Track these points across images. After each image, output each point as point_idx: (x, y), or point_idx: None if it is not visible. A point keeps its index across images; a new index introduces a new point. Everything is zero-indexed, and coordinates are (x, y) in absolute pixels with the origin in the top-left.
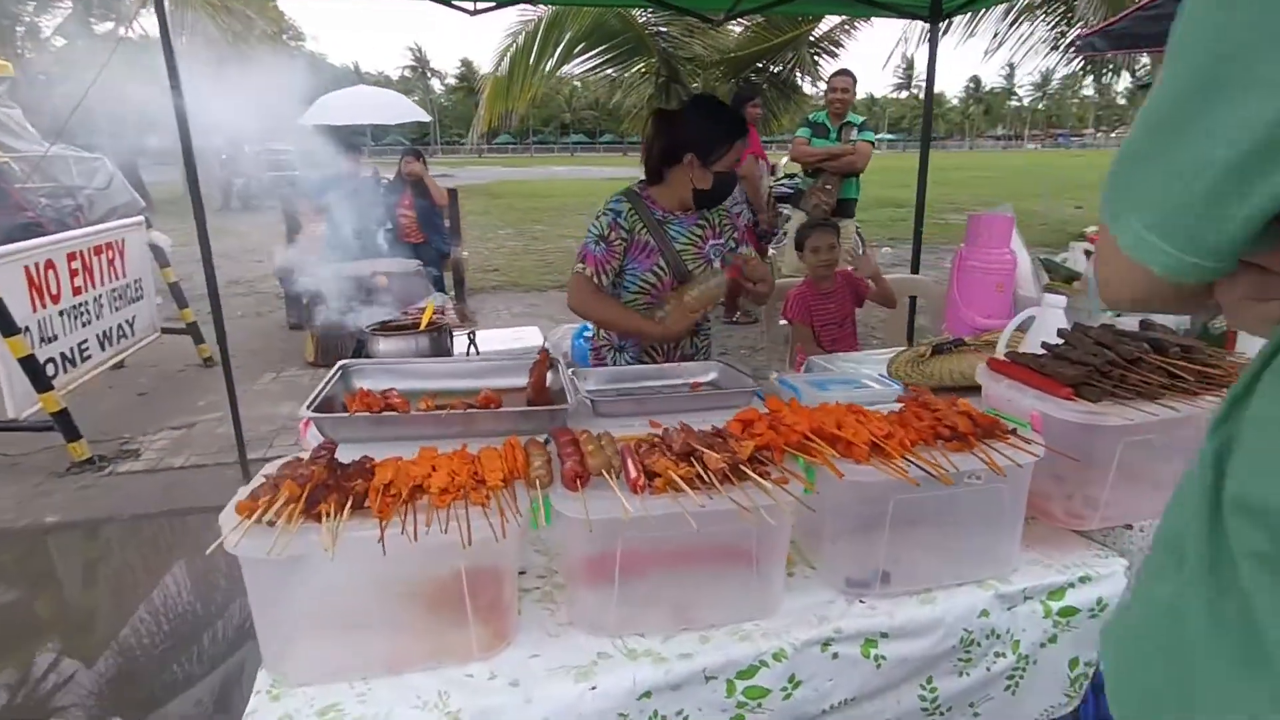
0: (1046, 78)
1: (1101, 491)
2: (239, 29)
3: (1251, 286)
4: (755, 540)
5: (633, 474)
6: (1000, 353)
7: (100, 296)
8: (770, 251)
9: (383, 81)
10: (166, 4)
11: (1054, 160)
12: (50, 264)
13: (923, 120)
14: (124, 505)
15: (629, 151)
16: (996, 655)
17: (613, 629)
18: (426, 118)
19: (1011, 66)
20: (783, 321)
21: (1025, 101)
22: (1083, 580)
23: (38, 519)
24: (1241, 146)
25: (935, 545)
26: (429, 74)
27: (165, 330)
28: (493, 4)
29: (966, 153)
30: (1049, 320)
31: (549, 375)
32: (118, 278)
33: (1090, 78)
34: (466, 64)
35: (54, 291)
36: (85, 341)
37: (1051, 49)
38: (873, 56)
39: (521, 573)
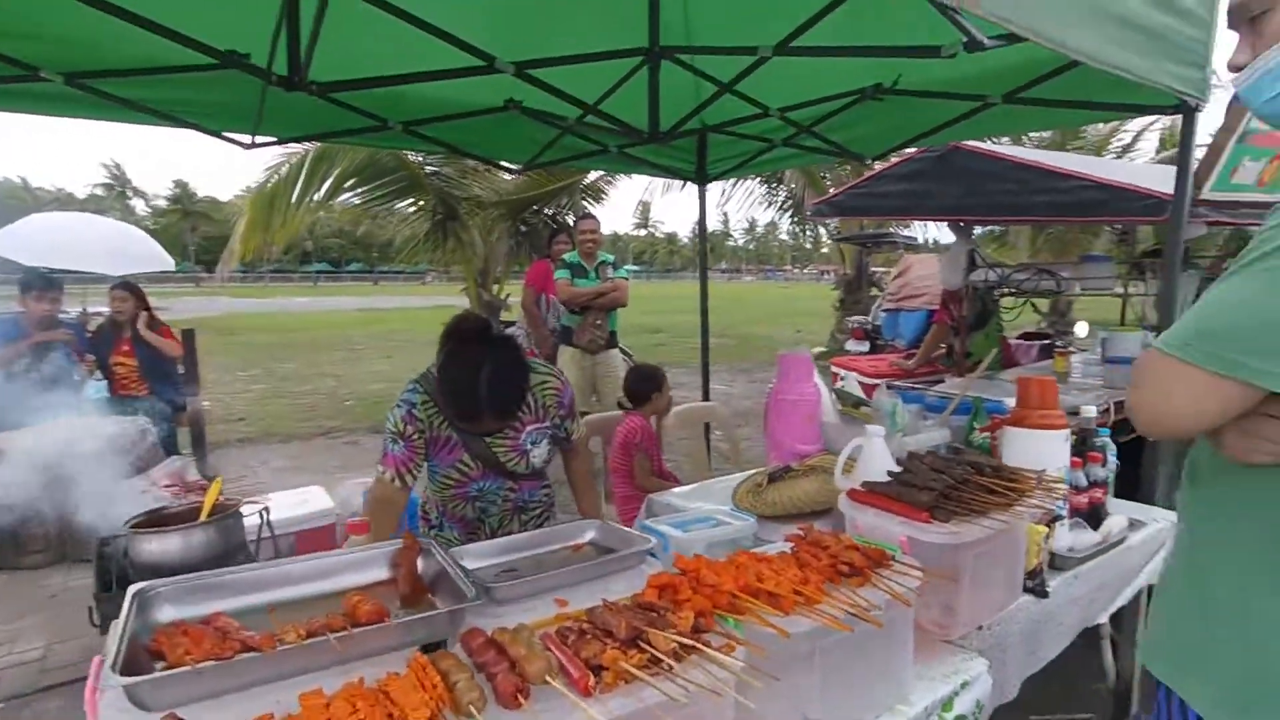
0: (753, 224)
1: (959, 600)
2: None
3: None
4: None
5: (575, 674)
6: (838, 479)
7: None
8: None
9: (64, 199)
10: None
11: (767, 291)
12: None
13: (699, 261)
14: None
15: (380, 280)
16: None
17: None
18: (172, 265)
19: (726, 214)
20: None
21: (740, 242)
22: (964, 686)
23: None
24: None
25: (851, 683)
26: (129, 194)
27: None
28: (273, 140)
29: (693, 283)
30: (875, 448)
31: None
32: None
33: (795, 226)
34: (181, 185)
35: None
36: None
37: (768, 205)
38: (622, 202)
39: None
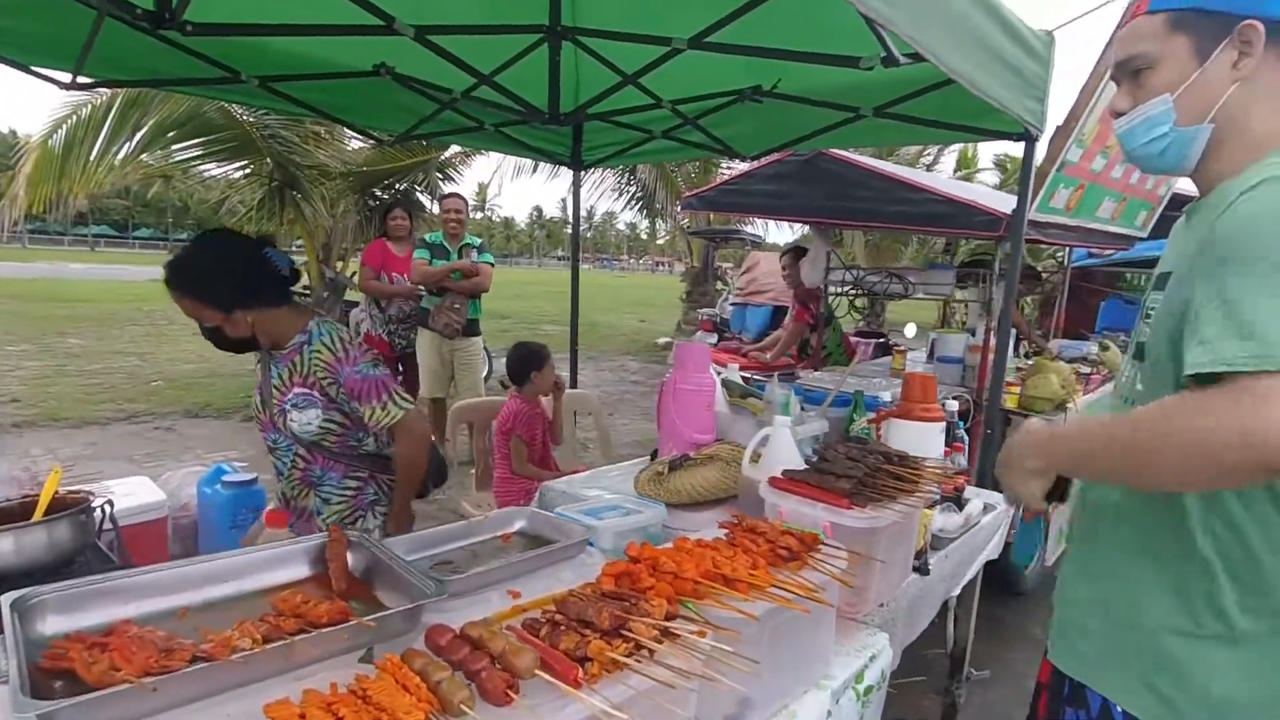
0: (591, 213)
1: (870, 580)
2: None
3: None
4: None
5: (560, 666)
6: (746, 467)
7: None
8: None
9: None
10: None
11: (604, 279)
12: None
13: (571, 247)
14: None
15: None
16: None
17: None
18: None
19: (564, 201)
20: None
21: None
22: (872, 659)
23: None
24: None
25: (787, 662)
26: None
27: None
28: (96, 80)
29: (537, 270)
30: (781, 439)
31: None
32: None
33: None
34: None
35: None
36: None
37: (618, 195)
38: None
39: None
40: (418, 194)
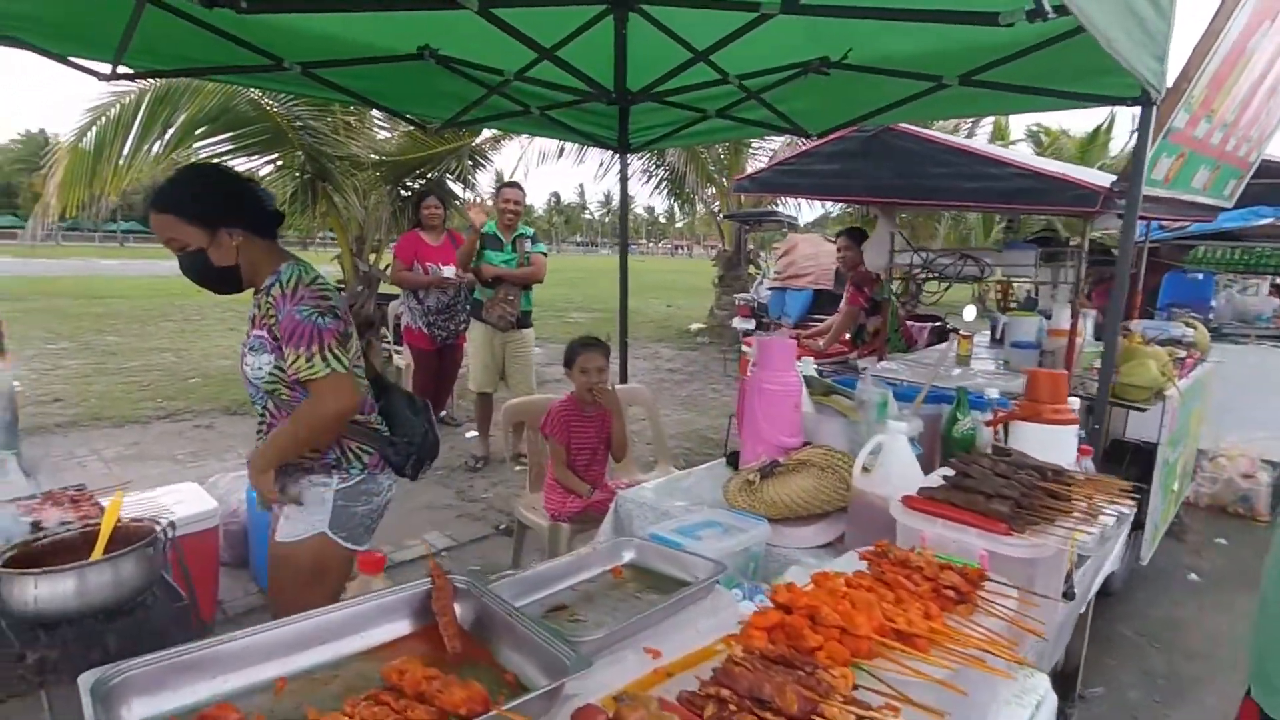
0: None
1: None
2: None
3: None
4: None
5: None
6: (858, 479)
7: None
8: None
9: None
10: None
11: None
12: None
13: (620, 236)
14: None
15: None
16: None
17: None
18: None
19: (582, 185)
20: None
21: (596, 215)
22: (1038, 706)
23: None
24: None
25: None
26: None
27: None
28: (137, 71)
29: (556, 256)
30: (898, 447)
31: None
32: None
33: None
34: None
35: None
36: None
37: (646, 179)
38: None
39: None
40: (449, 182)
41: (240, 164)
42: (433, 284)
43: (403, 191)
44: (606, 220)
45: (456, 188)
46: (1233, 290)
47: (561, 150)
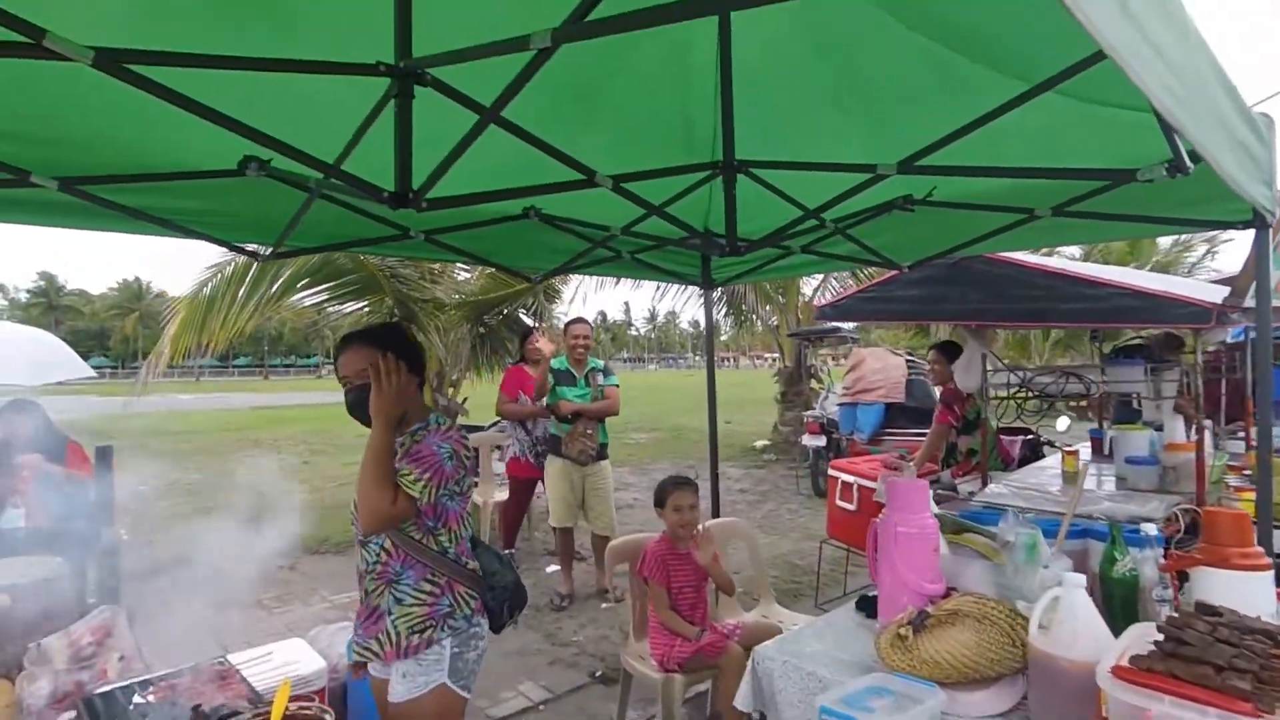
0: (654, 314)
1: None
2: None
3: None
4: None
5: None
6: (1035, 637)
7: None
8: None
9: None
10: None
11: (672, 379)
12: None
13: (707, 362)
14: None
15: (269, 375)
16: None
17: None
18: (91, 372)
19: (627, 303)
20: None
21: (641, 331)
22: None
23: None
24: None
25: None
26: None
27: None
28: (291, 250)
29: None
30: (1077, 601)
31: None
32: None
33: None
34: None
35: None
36: None
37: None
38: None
39: None
40: (523, 316)
41: (335, 310)
42: (537, 413)
43: (479, 328)
44: (652, 336)
45: (529, 320)
46: None
47: (618, 278)
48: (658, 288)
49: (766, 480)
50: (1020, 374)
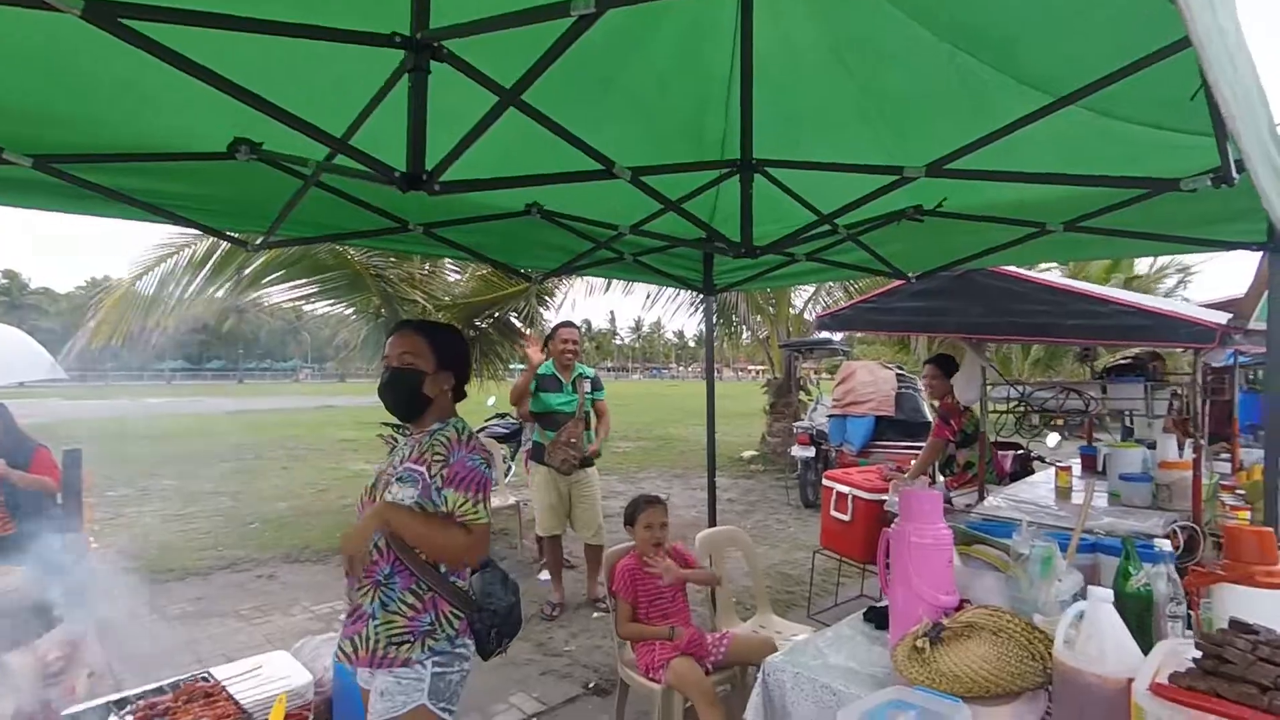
0: (639, 323)
1: None
2: None
3: None
4: None
5: None
6: (1060, 652)
7: None
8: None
9: None
10: None
11: (657, 388)
12: None
13: (707, 371)
14: None
15: (244, 379)
16: None
17: None
18: (63, 374)
19: (613, 312)
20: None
21: (626, 340)
22: None
23: None
24: None
25: None
26: None
27: None
28: (276, 239)
29: None
30: (1104, 616)
31: None
32: None
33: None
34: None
35: None
36: None
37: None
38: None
39: None
40: (513, 320)
41: (322, 307)
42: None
43: (471, 331)
44: (636, 345)
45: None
46: None
47: (609, 284)
48: (647, 296)
49: (754, 490)
50: (1020, 389)
